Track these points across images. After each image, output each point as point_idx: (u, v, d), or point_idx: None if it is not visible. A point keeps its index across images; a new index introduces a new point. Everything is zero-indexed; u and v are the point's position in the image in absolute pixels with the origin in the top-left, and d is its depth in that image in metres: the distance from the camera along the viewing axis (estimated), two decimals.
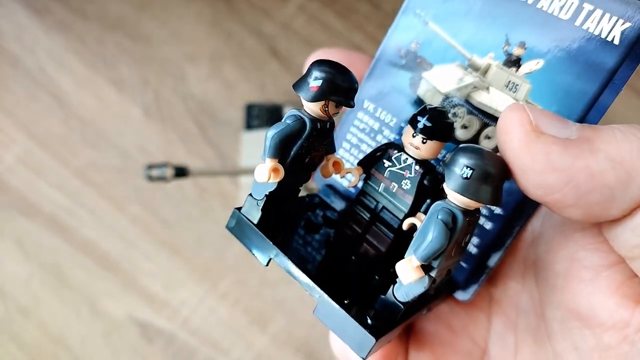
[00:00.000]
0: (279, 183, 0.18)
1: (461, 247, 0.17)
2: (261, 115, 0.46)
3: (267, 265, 0.19)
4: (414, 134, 0.17)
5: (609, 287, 0.17)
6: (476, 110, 0.20)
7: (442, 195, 0.17)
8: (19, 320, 0.47)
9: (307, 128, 0.17)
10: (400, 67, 0.21)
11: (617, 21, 0.17)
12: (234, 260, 0.48)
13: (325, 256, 0.20)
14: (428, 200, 0.18)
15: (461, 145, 0.16)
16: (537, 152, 0.15)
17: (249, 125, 0.47)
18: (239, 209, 0.19)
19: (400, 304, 0.17)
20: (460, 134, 0.20)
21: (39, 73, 0.49)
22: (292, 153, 0.17)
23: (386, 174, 0.18)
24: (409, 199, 0.18)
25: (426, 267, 0.16)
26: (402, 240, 0.18)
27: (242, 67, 0.49)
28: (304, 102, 0.17)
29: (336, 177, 0.23)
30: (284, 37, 0.49)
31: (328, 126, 0.18)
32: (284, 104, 0.47)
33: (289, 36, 0.49)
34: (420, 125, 0.17)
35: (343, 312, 0.17)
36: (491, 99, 0.20)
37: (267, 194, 0.18)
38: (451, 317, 0.22)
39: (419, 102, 0.20)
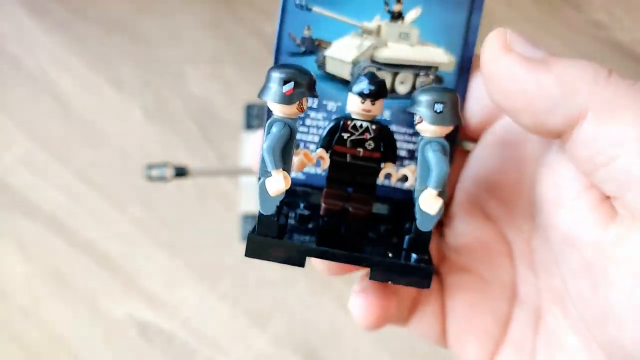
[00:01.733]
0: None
1: None
2: (261, 115, 0.46)
3: (304, 266, 0.20)
4: (363, 101, 0.20)
5: (586, 208, 0.19)
6: (383, 66, 0.23)
7: (394, 143, 0.22)
8: (19, 320, 0.47)
9: (293, 131, 0.19)
10: (301, 55, 0.23)
11: None
12: (234, 260, 0.48)
13: (332, 234, 0.21)
14: (386, 151, 0.22)
15: (423, 89, 0.20)
16: (503, 63, 0.19)
17: (249, 125, 0.47)
18: (252, 234, 0.20)
19: (426, 234, 0.20)
20: None
21: (39, 74, 0.49)
22: (289, 158, 0.19)
23: (348, 144, 0.21)
24: (377, 155, 0.21)
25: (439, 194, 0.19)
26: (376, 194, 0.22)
27: (242, 67, 0.49)
28: (278, 107, 0.19)
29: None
30: None
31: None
32: None
33: None
34: (366, 92, 0.20)
35: (400, 262, 0.20)
36: (391, 51, 0.23)
37: (278, 205, 0.19)
38: (480, 268, 0.24)
39: (330, 78, 0.23)
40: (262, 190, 0.19)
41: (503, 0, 0.49)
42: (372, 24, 0.23)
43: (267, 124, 0.19)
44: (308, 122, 0.24)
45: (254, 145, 0.24)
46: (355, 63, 0.23)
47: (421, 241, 0.20)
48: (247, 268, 0.48)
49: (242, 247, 0.47)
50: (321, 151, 0.21)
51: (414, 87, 0.23)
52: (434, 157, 0.19)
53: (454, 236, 0.25)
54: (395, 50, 0.23)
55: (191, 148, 0.48)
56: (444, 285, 0.25)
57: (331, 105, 0.24)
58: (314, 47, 0.23)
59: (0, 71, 0.49)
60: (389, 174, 0.22)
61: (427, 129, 0.20)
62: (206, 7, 0.49)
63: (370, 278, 0.20)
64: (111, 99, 0.49)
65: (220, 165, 0.48)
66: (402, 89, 0.23)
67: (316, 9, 0.23)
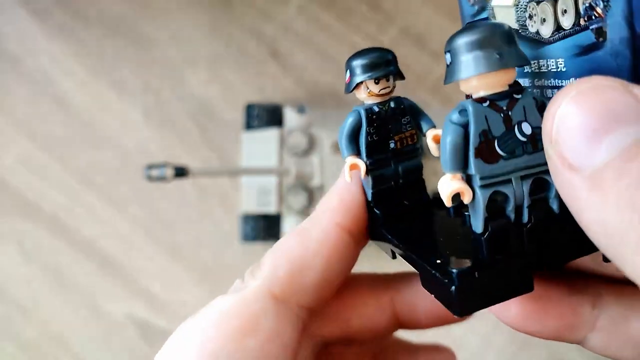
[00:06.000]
0: (376, 177, 0.18)
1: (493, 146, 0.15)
2: (261, 115, 0.46)
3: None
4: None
5: None
6: None
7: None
8: (19, 320, 0.47)
9: (362, 116, 0.18)
10: (476, 14, 0.19)
11: None
12: (234, 260, 0.48)
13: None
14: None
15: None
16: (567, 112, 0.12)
17: (249, 126, 0.47)
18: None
19: (477, 236, 0.15)
20: (543, 30, 0.17)
21: (39, 75, 0.49)
22: (362, 144, 0.18)
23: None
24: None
25: (467, 176, 0.15)
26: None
27: (242, 68, 0.49)
28: (357, 97, 0.18)
29: None
30: (284, 38, 0.49)
31: (394, 105, 0.18)
32: (284, 104, 0.47)
33: (289, 37, 0.49)
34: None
35: (424, 266, 0.15)
36: None
37: (373, 191, 0.18)
38: None
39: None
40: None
41: None
42: None
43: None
44: None
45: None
46: (516, 5, 0.18)
47: (474, 246, 0.15)
48: (247, 268, 0.48)
49: (242, 247, 0.47)
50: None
51: (578, 16, 0.16)
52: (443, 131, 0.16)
53: None
54: None
55: (191, 148, 0.48)
56: None
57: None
58: (483, 2, 0.19)
59: (1, 72, 0.49)
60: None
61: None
62: (206, 8, 0.49)
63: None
64: (111, 100, 0.49)
65: (220, 165, 0.48)
66: (566, 21, 0.16)
67: None
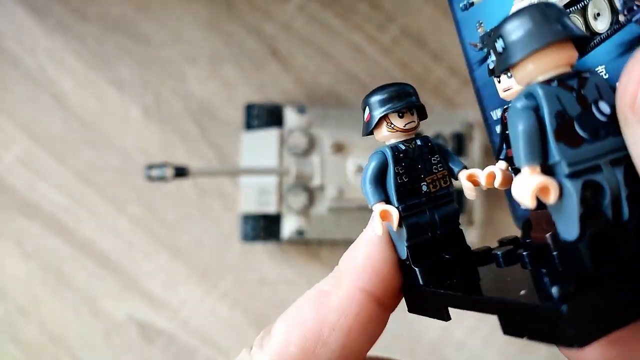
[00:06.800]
0: (411, 226, 0.15)
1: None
2: (261, 115, 0.46)
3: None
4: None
5: None
6: (565, 7, 0.16)
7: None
8: (19, 320, 0.47)
9: (388, 155, 0.16)
10: (484, 59, 0.19)
11: None
12: (234, 260, 0.48)
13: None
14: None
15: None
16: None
17: (249, 125, 0.47)
18: (414, 286, 0.15)
19: (571, 244, 0.12)
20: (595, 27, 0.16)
21: (38, 73, 0.49)
22: (391, 187, 0.16)
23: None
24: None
25: (547, 169, 0.12)
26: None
27: (242, 67, 0.49)
28: (377, 138, 0.16)
29: None
30: (284, 37, 0.49)
31: (421, 143, 0.16)
32: (284, 104, 0.47)
33: (289, 36, 0.49)
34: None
35: (513, 300, 0.12)
36: None
37: (408, 244, 0.15)
38: None
39: None
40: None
41: None
42: None
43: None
44: None
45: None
46: None
47: (570, 260, 0.13)
48: (247, 268, 0.48)
49: (242, 247, 0.47)
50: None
51: (615, 14, 0.15)
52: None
53: None
54: None
55: (191, 148, 0.48)
56: None
57: None
58: (490, 40, 0.19)
59: (0, 70, 0.49)
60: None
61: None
62: (206, 7, 0.49)
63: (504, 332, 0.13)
64: (111, 99, 0.49)
65: (220, 165, 0.48)
66: (600, 24, 0.15)
67: None
